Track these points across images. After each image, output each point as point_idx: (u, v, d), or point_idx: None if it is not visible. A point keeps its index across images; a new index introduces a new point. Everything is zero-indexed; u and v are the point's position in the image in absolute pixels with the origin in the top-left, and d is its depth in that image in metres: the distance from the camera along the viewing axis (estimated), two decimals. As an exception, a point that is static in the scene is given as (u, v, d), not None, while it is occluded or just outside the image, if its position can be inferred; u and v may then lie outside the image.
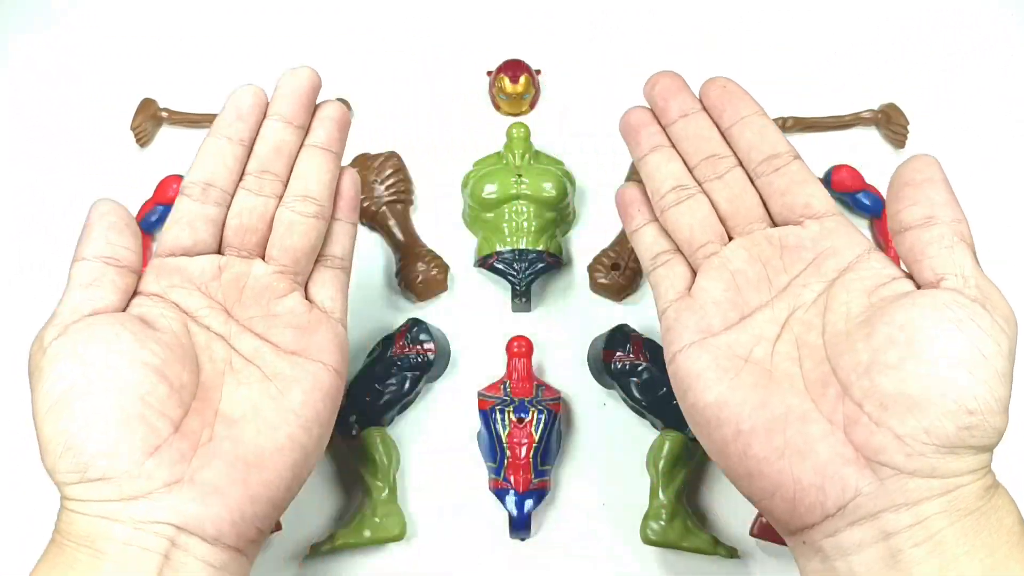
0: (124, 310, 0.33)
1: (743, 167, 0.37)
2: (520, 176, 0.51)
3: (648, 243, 0.39)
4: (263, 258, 0.37)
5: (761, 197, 0.37)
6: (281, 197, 0.37)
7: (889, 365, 0.28)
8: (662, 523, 0.42)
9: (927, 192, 0.31)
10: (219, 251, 0.37)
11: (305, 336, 0.35)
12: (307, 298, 0.38)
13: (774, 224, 0.36)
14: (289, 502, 0.33)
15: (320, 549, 0.43)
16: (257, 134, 0.37)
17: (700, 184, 0.38)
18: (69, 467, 0.29)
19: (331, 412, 0.35)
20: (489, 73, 0.59)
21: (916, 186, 0.31)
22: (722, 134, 0.38)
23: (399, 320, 0.49)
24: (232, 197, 0.37)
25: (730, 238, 0.37)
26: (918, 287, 0.31)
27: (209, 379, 0.33)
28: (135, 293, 0.34)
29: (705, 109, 0.38)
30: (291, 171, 0.38)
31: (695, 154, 0.38)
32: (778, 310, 0.34)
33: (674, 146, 0.39)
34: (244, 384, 0.33)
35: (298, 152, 0.38)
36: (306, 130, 0.38)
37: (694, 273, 0.37)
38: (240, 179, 0.37)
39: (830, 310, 0.32)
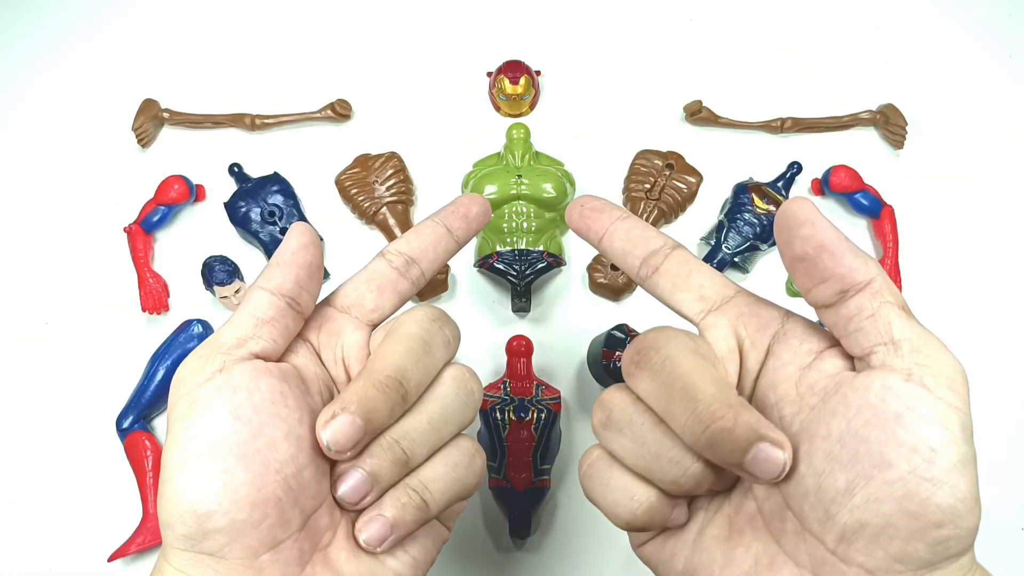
0: (282, 358, 0.30)
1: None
2: (520, 177, 0.52)
3: None
4: None
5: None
6: None
7: (838, 491, 0.25)
8: (661, 522, 0.43)
9: (824, 263, 0.27)
10: None
11: None
12: None
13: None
14: None
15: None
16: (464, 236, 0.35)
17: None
18: (184, 531, 0.26)
19: (435, 556, 0.33)
20: (489, 74, 0.59)
21: (812, 261, 0.27)
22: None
23: (399, 320, 0.49)
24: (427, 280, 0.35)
25: None
26: (849, 356, 0.27)
27: None
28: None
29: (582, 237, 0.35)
30: None
31: None
32: None
33: None
34: None
35: None
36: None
37: None
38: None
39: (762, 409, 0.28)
